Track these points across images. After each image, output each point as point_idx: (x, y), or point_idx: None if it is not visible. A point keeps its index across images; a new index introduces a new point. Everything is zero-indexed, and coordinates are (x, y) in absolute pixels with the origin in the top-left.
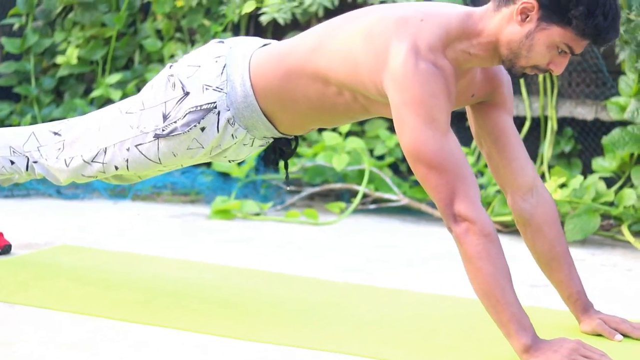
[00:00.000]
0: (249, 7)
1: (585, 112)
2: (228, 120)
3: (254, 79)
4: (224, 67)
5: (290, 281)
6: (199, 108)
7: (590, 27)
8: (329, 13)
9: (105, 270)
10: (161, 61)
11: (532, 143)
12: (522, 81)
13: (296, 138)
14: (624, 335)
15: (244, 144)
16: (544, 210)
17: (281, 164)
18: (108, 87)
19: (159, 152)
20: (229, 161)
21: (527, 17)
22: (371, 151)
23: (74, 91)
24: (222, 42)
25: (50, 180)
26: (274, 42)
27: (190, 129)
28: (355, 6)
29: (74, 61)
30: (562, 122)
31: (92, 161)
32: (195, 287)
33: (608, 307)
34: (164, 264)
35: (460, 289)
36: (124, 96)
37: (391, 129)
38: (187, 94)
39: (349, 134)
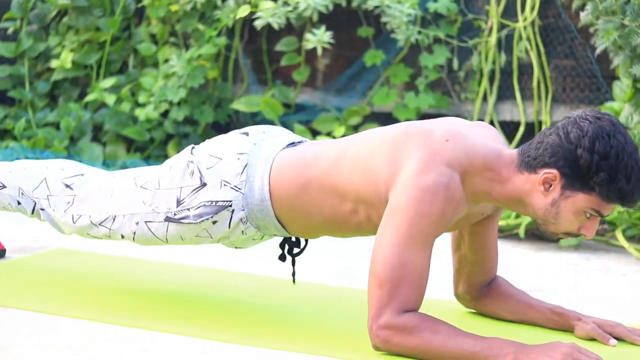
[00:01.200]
0: (243, 12)
1: None
2: (241, 219)
3: (272, 185)
4: (245, 166)
5: (286, 285)
6: (214, 203)
7: (614, 192)
8: (324, 17)
9: (100, 275)
10: (155, 65)
11: None
12: (516, 86)
13: (306, 240)
14: (619, 339)
15: (253, 239)
16: (496, 287)
17: (289, 260)
18: (102, 91)
19: (167, 234)
20: (235, 247)
21: (551, 186)
22: None
23: (68, 95)
24: (247, 134)
25: (54, 228)
26: (300, 139)
27: (203, 221)
28: (349, 12)
29: (68, 65)
30: None
31: (99, 224)
32: (191, 292)
33: (602, 312)
34: (159, 268)
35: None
36: (118, 100)
37: None
38: (204, 184)
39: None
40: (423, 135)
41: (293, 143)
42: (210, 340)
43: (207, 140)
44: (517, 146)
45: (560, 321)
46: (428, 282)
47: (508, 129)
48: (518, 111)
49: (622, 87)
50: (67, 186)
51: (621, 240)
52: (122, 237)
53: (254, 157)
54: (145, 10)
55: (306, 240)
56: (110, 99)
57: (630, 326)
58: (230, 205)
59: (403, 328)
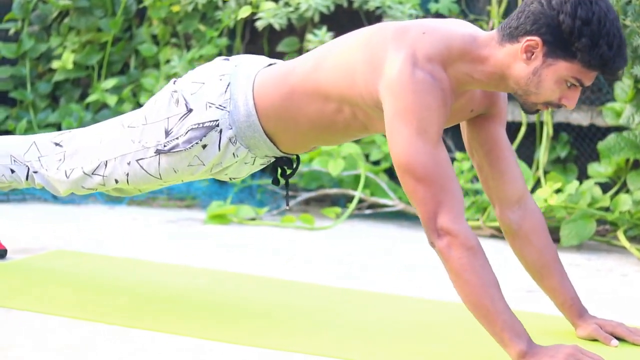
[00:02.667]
0: (244, 13)
1: (580, 117)
2: (230, 139)
3: (257, 99)
4: (228, 85)
5: (285, 286)
6: (201, 125)
7: (595, 58)
8: (325, 18)
9: (100, 275)
10: (157, 66)
11: (528, 148)
12: None
13: (297, 158)
14: (621, 339)
15: (245, 163)
16: (531, 220)
17: (282, 182)
18: (104, 92)
19: (160, 168)
20: (230, 179)
21: (532, 54)
22: (367, 156)
23: (70, 96)
24: (228, 59)
25: (49, 190)
26: (279, 61)
27: (192, 146)
28: (351, 12)
29: (70, 66)
30: (558, 127)
31: (92, 173)
32: (190, 292)
33: (603, 312)
34: (159, 268)
35: (455, 294)
36: (120, 101)
37: None
38: (190, 110)
39: None
40: (399, 33)
41: (273, 64)
42: (210, 340)
43: (189, 71)
44: (519, 146)
45: (567, 313)
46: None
47: (509, 129)
48: (519, 111)
49: (623, 87)
50: (57, 144)
51: (622, 240)
52: (116, 181)
53: (236, 76)
54: (146, 11)
55: (298, 160)
56: (112, 100)
57: (632, 326)
58: (218, 125)
59: (465, 241)
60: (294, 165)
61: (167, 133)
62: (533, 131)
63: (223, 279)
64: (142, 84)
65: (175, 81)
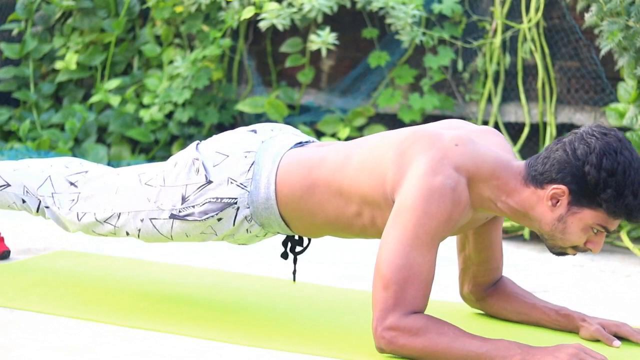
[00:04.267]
0: (248, 13)
1: (584, 118)
2: (245, 217)
3: (279, 185)
4: (252, 164)
5: (290, 286)
6: (219, 200)
7: (621, 208)
8: (328, 19)
9: (104, 276)
10: (160, 67)
11: (531, 149)
12: (521, 87)
13: (309, 240)
14: (624, 339)
15: (257, 236)
16: (502, 287)
17: (291, 258)
18: (107, 92)
19: (172, 231)
20: (239, 244)
21: (558, 202)
22: None
23: (73, 96)
24: (255, 132)
25: (59, 226)
26: (307, 139)
27: (208, 218)
28: (354, 13)
29: (73, 67)
30: (561, 128)
31: (104, 222)
32: (194, 292)
33: (607, 313)
34: (162, 269)
35: (457, 294)
36: (123, 102)
37: None
38: (209, 182)
39: (348, 139)
40: (432, 138)
41: (301, 143)
42: (213, 340)
43: (213, 136)
44: (522, 147)
45: (565, 322)
46: (433, 283)
47: (512, 130)
48: (523, 112)
49: (626, 88)
50: (72, 184)
51: (626, 241)
52: (127, 234)
53: (262, 155)
54: (149, 12)
55: (309, 239)
56: (115, 100)
57: (635, 326)
58: (236, 203)
59: (409, 329)
60: (305, 245)
61: (183, 199)
62: (536, 132)
63: (227, 279)
64: (145, 85)
65: (198, 146)
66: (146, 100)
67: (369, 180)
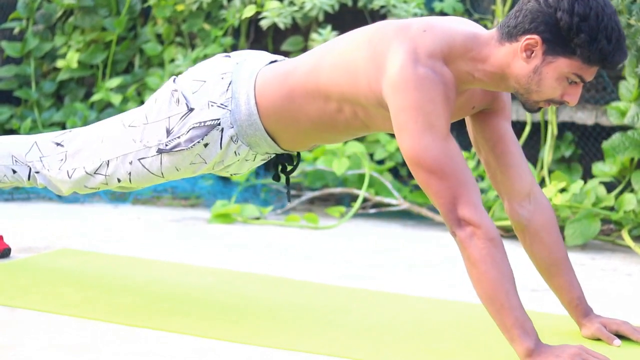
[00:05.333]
0: (249, 12)
1: (585, 116)
2: (231, 138)
3: (258, 98)
4: (230, 84)
5: (290, 285)
6: (202, 124)
7: (595, 53)
8: (330, 17)
9: (105, 274)
10: (161, 65)
11: (532, 148)
12: None
13: (298, 154)
14: (626, 338)
15: (247, 160)
16: (541, 216)
17: (283, 178)
18: (108, 91)
19: (162, 167)
20: (231, 175)
21: (532, 52)
22: (371, 155)
23: (74, 95)
24: (229, 56)
25: (52, 190)
26: (280, 58)
27: (194, 145)
28: (355, 11)
29: (74, 65)
30: (562, 126)
31: (94, 173)
32: (195, 291)
33: (608, 312)
34: (164, 268)
35: (460, 294)
36: (124, 100)
37: (392, 133)
38: (191, 109)
39: None
40: (400, 30)
41: (275, 61)
42: (214, 339)
43: (188, 68)
44: (523, 146)
45: (572, 312)
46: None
47: (514, 128)
48: (524, 111)
49: (628, 86)
50: (58, 144)
51: (627, 240)
52: (119, 180)
53: (237, 74)
54: (151, 10)
55: (298, 156)
56: (116, 99)
57: (636, 325)
58: (219, 124)
59: (487, 231)
60: (295, 162)
61: (168, 132)
62: (537, 130)
63: (228, 278)
64: (146, 83)
65: (175, 79)
66: (147, 98)
67: (344, 79)
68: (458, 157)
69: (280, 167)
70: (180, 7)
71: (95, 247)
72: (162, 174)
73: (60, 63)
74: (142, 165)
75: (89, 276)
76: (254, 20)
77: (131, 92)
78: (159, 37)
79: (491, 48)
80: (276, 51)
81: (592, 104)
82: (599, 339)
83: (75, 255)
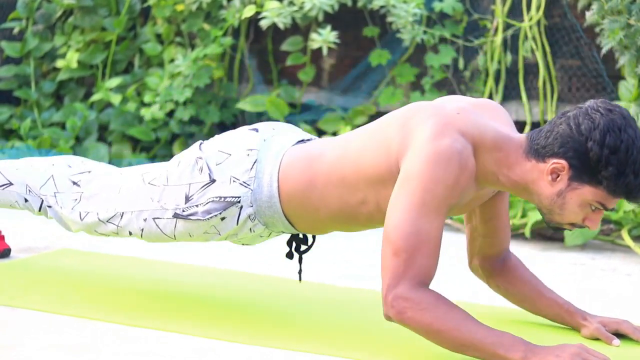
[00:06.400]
0: (249, 12)
1: None
2: (249, 216)
3: (281, 182)
4: (255, 162)
5: (292, 285)
6: (222, 199)
7: (621, 186)
8: (329, 18)
9: (105, 274)
10: (161, 65)
11: None
12: (522, 85)
13: (314, 237)
14: (625, 336)
15: (261, 236)
16: (511, 262)
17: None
18: (108, 91)
19: (175, 230)
20: (243, 244)
21: (558, 176)
22: None
23: (74, 95)
24: (257, 130)
25: (61, 225)
26: (307, 136)
27: (211, 217)
28: (355, 11)
29: (74, 65)
30: None
31: (107, 221)
32: (197, 291)
33: (607, 311)
34: (165, 267)
35: (461, 293)
36: (124, 100)
37: None
38: (213, 180)
39: None
40: (434, 108)
41: (302, 140)
42: (215, 340)
43: (215, 136)
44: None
45: (568, 319)
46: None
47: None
48: (524, 111)
49: (627, 86)
50: (75, 183)
51: (627, 240)
52: (130, 233)
53: (264, 153)
54: (150, 10)
55: (313, 238)
56: (116, 99)
57: (636, 324)
58: (239, 202)
59: (419, 302)
60: (309, 243)
61: (187, 199)
62: None
63: (229, 278)
64: (146, 83)
65: (201, 145)
66: (147, 98)
67: (372, 158)
68: (430, 239)
69: (294, 245)
70: (180, 7)
71: (96, 247)
72: (174, 236)
73: (60, 63)
74: (156, 225)
75: (89, 276)
76: (254, 20)
77: (131, 92)
78: (158, 37)
79: (518, 157)
80: (276, 51)
81: None
82: (598, 339)
83: (76, 255)
